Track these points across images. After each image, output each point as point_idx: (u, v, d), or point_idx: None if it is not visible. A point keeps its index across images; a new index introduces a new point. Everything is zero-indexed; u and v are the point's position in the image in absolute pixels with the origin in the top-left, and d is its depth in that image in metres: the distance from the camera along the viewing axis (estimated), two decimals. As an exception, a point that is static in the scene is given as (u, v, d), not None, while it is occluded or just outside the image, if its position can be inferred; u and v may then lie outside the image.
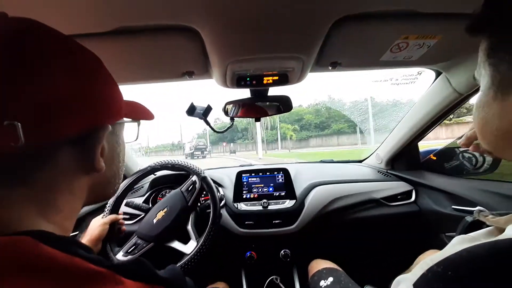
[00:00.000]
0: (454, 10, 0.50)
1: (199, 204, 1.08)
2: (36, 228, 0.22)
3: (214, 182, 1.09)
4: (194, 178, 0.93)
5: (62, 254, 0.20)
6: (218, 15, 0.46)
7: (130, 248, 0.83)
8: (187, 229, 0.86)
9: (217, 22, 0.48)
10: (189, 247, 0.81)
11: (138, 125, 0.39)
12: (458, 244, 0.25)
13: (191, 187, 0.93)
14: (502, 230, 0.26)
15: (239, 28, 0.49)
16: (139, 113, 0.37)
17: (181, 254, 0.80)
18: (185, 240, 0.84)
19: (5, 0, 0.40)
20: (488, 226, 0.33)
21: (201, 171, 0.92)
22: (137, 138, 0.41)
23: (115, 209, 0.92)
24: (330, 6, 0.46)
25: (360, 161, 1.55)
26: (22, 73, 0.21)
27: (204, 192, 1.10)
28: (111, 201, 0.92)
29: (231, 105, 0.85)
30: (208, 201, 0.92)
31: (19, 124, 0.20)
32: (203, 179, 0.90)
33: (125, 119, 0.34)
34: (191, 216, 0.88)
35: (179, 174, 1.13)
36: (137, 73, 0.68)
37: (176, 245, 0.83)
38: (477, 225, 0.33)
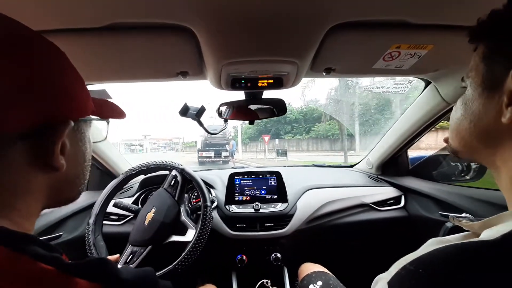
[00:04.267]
0: (445, 22, 0.52)
1: (190, 205, 1.07)
2: None
3: (206, 183, 1.09)
4: (174, 172, 0.94)
5: (7, 251, 0.19)
6: (214, 15, 0.46)
7: (127, 258, 0.80)
8: (181, 221, 0.86)
9: (213, 22, 0.47)
10: (189, 236, 0.82)
11: (107, 123, 0.38)
12: (431, 245, 0.26)
13: (173, 181, 0.93)
14: (478, 235, 0.28)
15: (235, 30, 0.49)
16: (109, 111, 0.36)
17: (183, 245, 0.80)
18: (182, 231, 0.84)
19: None
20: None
21: (178, 164, 0.94)
22: (105, 138, 0.40)
23: (102, 210, 0.90)
24: (326, 12, 0.47)
25: (352, 166, 1.57)
26: None
27: (196, 194, 1.09)
28: (98, 202, 0.90)
29: (225, 106, 0.85)
30: (199, 203, 0.91)
31: None
32: (182, 171, 0.92)
33: (92, 116, 0.32)
34: (181, 208, 0.89)
35: (163, 173, 1.12)
36: (130, 71, 0.67)
37: (175, 238, 0.83)
38: (459, 230, 0.35)
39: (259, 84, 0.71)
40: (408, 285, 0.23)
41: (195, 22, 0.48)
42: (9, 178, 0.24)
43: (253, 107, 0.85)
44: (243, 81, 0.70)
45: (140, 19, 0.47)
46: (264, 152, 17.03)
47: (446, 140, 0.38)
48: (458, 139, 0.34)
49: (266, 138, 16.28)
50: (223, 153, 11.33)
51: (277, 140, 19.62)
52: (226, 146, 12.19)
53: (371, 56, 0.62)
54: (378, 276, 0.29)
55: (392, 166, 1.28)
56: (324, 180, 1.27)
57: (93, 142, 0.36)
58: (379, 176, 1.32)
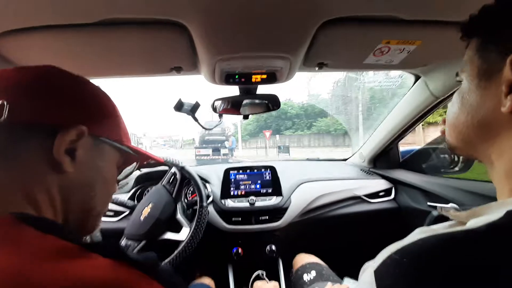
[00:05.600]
0: (433, 17, 0.53)
1: (186, 200, 1.08)
2: (23, 210, 0.26)
3: (202, 178, 1.10)
4: (174, 169, 0.94)
5: (36, 232, 0.23)
6: (207, 11, 0.46)
7: None
8: (176, 218, 0.87)
9: (206, 18, 0.48)
10: (182, 234, 0.83)
11: (135, 166, 0.44)
12: (417, 234, 0.26)
13: (172, 179, 0.94)
14: (464, 224, 0.27)
15: (228, 25, 0.50)
16: (145, 154, 0.41)
17: (176, 243, 0.81)
18: (177, 229, 0.86)
19: None
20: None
21: (179, 162, 0.93)
22: (130, 173, 0.45)
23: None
24: (317, 8, 0.47)
25: (345, 160, 1.61)
26: None
27: (192, 189, 1.10)
28: None
29: (220, 101, 0.85)
30: (196, 198, 0.92)
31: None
32: (182, 169, 0.91)
33: (118, 145, 0.36)
34: (178, 206, 0.90)
35: (163, 169, 1.13)
36: (123, 67, 0.67)
37: (169, 235, 0.84)
38: (444, 219, 0.35)
39: (253, 79, 0.72)
40: (392, 274, 0.23)
41: (188, 18, 0.48)
42: (29, 167, 0.28)
43: (247, 101, 0.86)
44: (237, 76, 0.70)
45: (133, 15, 0.47)
46: (265, 148, 16.46)
47: (443, 132, 0.38)
48: (456, 133, 0.34)
49: (268, 133, 15.75)
50: (222, 150, 11.03)
51: (278, 136, 18.93)
52: (225, 143, 11.83)
53: (362, 52, 0.64)
54: (365, 264, 0.30)
55: (384, 159, 1.32)
56: (318, 174, 1.30)
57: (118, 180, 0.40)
58: (371, 169, 1.36)
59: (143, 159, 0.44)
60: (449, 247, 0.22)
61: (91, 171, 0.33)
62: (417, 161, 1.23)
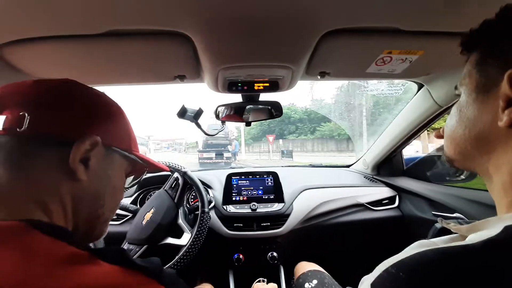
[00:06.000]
0: (435, 28, 0.53)
1: (188, 205, 1.08)
2: (35, 217, 0.27)
3: (204, 184, 1.10)
4: (176, 175, 0.95)
5: (48, 238, 0.24)
6: (210, 22, 0.47)
7: None
8: (178, 224, 0.88)
9: (208, 29, 0.49)
10: (184, 240, 0.84)
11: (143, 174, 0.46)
12: (415, 248, 0.26)
13: (174, 184, 0.94)
14: (465, 238, 0.27)
15: (230, 36, 0.51)
16: (152, 163, 0.43)
17: (177, 248, 0.82)
18: (178, 234, 0.86)
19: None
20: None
21: (181, 167, 0.94)
22: (130, 186, 0.46)
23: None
24: (318, 19, 0.48)
25: (348, 166, 1.60)
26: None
27: (194, 194, 1.10)
28: None
29: (223, 107, 0.86)
30: (197, 203, 0.93)
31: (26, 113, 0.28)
32: (185, 174, 0.92)
33: (124, 152, 0.37)
34: (180, 211, 0.91)
35: (165, 174, 1.14)
36: (128, 75, 0.69)
37: (170, 241, 0.84)
38: (448, 231, 0.35)
39: (255, 87, 0.73)
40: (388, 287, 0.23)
41: (191, 29, 0.49)
42: (43, 176, 0.29)
43: (250, 108, 0.86)
44: (239, 84, 0.71)
45: (138, 26, 0.48)
46: (269, 152, 16.51)
47: (437, 136, 0.38)
48: (453, 146, 0.34)
49: (271, 138, 15.76)
50: (225, 154, 10.94)
51: (281, 141, 19.25)
52: (228, 146, 11.72)
53: (364, 61, 0.64)
54: (363, 277, 0.29)
55: (387, 167, 1.31)
56: (321, 180, 1.29)
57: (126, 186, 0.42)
58: (374, 176, 1.35)
59: (150, 167, 0.45)
60: (445, 262, 0.22)
61: (102, 180, 0.35)
62: (422, 168, 1.21)
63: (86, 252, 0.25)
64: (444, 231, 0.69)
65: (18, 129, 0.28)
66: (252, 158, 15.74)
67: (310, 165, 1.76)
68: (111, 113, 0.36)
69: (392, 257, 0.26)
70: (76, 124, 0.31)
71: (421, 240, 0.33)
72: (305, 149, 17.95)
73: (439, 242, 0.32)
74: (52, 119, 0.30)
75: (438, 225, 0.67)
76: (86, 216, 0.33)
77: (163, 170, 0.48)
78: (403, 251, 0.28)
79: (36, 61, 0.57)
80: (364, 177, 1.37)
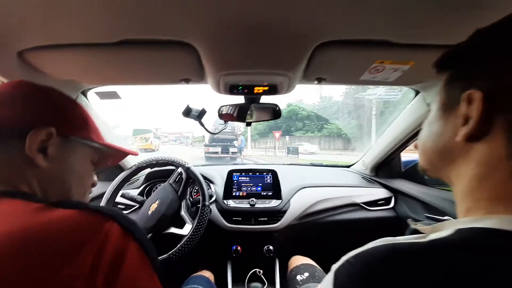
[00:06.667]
0: (424, 41, 0.56)
1: (191, 198, 1.15)
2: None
3: (206, 179, 1.16)
4: (180, 169, 1.01)
5: (19, 200, 0.31)
6: (213, 33, 0.52)
7: None
8: (180, 215, 0.94)
9: (211, 39, 0.54)
10: (185, 230, 0.90)
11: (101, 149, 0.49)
12: (377, 242, 0.28)
13: (178, 178, 1.01)
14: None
15: (231, 46, 0.56)
16: (116, 148, 0.48)
17: (180, 237, 0.88)
18: (181, 225, 0.93)
19: (26, 12, 0.45)
20: None
21: (185, 162, 1.00)
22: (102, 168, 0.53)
23: (111, 200, 0.99)
24: (312, 32, 0.52)
25: (348, 166, 1.63)
26: None
27: (196, 188, 1.17)
28: (108, 192, 0.99)
29: (225, 107, 0.92)
30: (199, 197, 0.99)
31: None
32: (188, 169, 0.98)
33: (88, 142, 0.42)
34: (182, 203, 0.97)
35: (170, 168, 1.21)
36: (139, 77, 0.74)
37: (173, 230, 0.91)
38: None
39: (255, 91, 0.77)
40: (345, 276, 0.26)
41: (196, 39, 0.54)
42: (9, 162, 0.35)
43: (250, 110, 0.91)
44: (240, 87, 0.76)
45: (148, 36, 0.53)
46: (274, 149, 16.13)
47: (415, 147, 0.41)
48: (424, 157, 0.37)
49: (277, 134, 15.54)
50: (231, 149, 11.09)
51: (287, 137, 18.98)
52: (235, 142, 11.84)
53: (358, 70, 0.67)
54: (333, 265, 0.32)
55: (385, 168, 1.33)
56: (319, 180, 1.33)
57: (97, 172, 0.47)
58: (372, 177, 1.38)
59: (118, 153, 0.50)
60: (393, 257, 0.25)
61: (64, 166, 0.39)
62: (418, 171, 1.23)
63: (50, 204, 0.31)
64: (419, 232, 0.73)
65: None
66: (258, 154, 15.76)
67: (312, 164, 1.80)
68: (64, 105, 0.41)
69: (356, 249, 0.29)
70: (27, 118, 0.36)
71: (386, 237, 0.37)
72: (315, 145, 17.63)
73: (402, 239, 0.35)
74: (6, 115, 0.34)
75: (412, 226, 0.70)
76: (56, 198, 0.38)
77: (131, 154, 0.53)
78: (366, 245, 0.31)
79: (57, 64, 0.63)
80: (362, 177, 1.40)
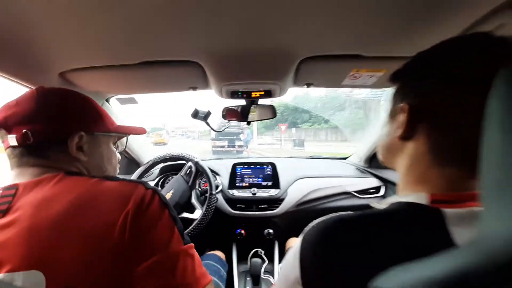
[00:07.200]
0: (393, 54, 0.66)
1: (200, 188, 1.30)
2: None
3: (213, 171, 1.31)
4: (190, 163, 1.16)
5: (77, 176, 0.44)
6: (215, 55, 0.64)
7: None
8: (191, 202, 1.10)
9: (214, 59, 0.66)
10: (196, 215, 1.06)
11: (127, 137, 0.64)
12: (334, 214, 0.34)
13: (188, 171, 1.16)
14: None
15: (230, 64, 0.68)
16: (127, 130, 0.60)
17: (191, 221, 1.04)
18: (192, 211, 1.09)
19: (67, 43, 0.58)
20: None
21: (194, 157, 1.15)
22: (125, 147, 0.68)
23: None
24: (295, 51, 0.64)
25: (345, 158, 1.74)
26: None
27: (204, 180, 1.32)
28: None
29: (228, 109, 1.05)
30: (207, 187, 1.14)
31: (29, 132, 0.43)
32: (197, 163, 1.14)
33: (104, 133, 0.54)
34: (193, 193, 1.13)
35: (181, 162, 1.36)
36: (154, 87, 0.88)
37: (185, 215, 1.07)
38: None
39: (252, 95, 0.90)
40: (308, 235, 0.34)
41: (202, 59, 0.67)
42: (62, 160, 0.47)
43: (250, 110, 1.04)
44: (239, 93, 0.89)
45: (163, 57, 0.66)
46: (280, 141, 16.41)
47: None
48: (381, 151, 0.45)
49: (283, 127, 15.73)
50: (237, 143, 11.35)
51: (294, 129, 19.07)
52: (241, 135, 11.95)
53: (338, 77, 0.78)
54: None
55: (377, 160, 1.44)
56: (316, 171, 1.45)
57: (118, 151, 0.60)
58: (365, 168, 1.49)
59: (130, 132, 0.62)
60: (336, 224, 0.33)
61: (96, 155, 0.52)
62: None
63: (101, 178, 0.44)
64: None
65: (28, 142, 0.43)
66: (263, 147, 15.79)
67: (311, 156, 1.92)
68: (86, 109, 0.51)
69: (320, 218, 0.36)
70: (64, 128, 0.46)
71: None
72: (318, 138, 17.80)
73: (352, 213, 0.41)
74: (48, 130, 0.45)
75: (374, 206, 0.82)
76: (97, 175, 0.50)
77: (139, 132, 0.63)
78: (328, 215, 0.37)
79: (89, 81, 0.77)
80: (356, 168, 1.51)
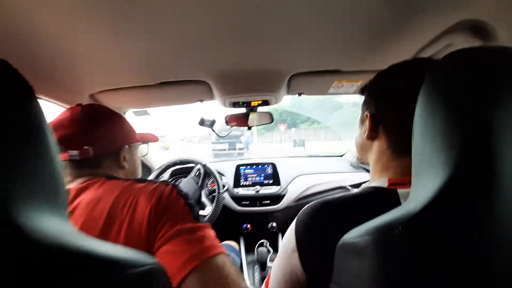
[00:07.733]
0: (368, 68, 0.78)
1: (208, 188, 1.43)
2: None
3: (219, 172, 1.44)
4: (199, 166, 1.30)
5: (117, 180, 0.53)
6: (220, 74, 0.78)
7: None
8: (201, 201, 1.23)
9: (219, 78, 0.80)
10: (206, 211, 1.19)
11: (148, 144, 0.77)
12: (320, 199, 0.41)
13: (197, 173, 1.29)
14: None
15: (232, 81, 0.82)
16: (147, 139, 0.72)
17: (202, 217, 1.16)
18: (202, 208, 1.22)
19: (96, 70, 0.72)
20: None
21: (202, 160, 1.29)
22: (146, 154, 0.83)
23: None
24: (284, 70, 0.77)
25: (341, 156, 1.86)
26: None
27: (212, 180, 1.45)
28: None
29: (230, 115, 1.18)
30: (215, 187, 1.27)
31: (90, 148, 0.54)
32: (205, 166, 1.27)
33: (137, 143, 0.67)
34: (202, 192, 1.26)
35: (191, 166, 1.49)
36: (168, 101, 1.02)
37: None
38: None
39: (252, 104, 1.03)
40: (300, 217, 0.41)
41: (208, 78, 0.81)
42: (109, 169, 0.58)
43: (250, 116, 1.18)
44: (241, 102, 1.02)
45: (176, 78, 0.80)
46: (280, 142, 16.48)
47: None
48: (357, 149, 0.54)
49: (283, 127, 15.93)
50: (238, 145, 11.32)
51: (293, 130, 19.29)
52: (241, 137, 11.89)
53: (324, 87, 0.92)
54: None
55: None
56: (314, 168, 1.58)
57: (141, 156, 0.74)
58: (359, 164, 1.61)
59: (149, 141, 0.74)
60: (320, 207, 0.40)
61: (133, 162, 0.65)
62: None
63: (134, 180, 0.52)
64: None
65: (87, 156, 0.53)
66: (264, 148, 15.86)
67: (309, 155, 2.05)
68: (125, 125, 0.63)
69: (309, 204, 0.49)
70: (114, 143, 0.58)
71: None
72: (318, 138, 17.71)
73: (334, 197, 0.51)
74: (103, 145, 0.56)
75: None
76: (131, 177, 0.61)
77: (156, 140, 0.75)
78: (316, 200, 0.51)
79: (114, 99, 0.92)
80: (351, 164, 1.64)
